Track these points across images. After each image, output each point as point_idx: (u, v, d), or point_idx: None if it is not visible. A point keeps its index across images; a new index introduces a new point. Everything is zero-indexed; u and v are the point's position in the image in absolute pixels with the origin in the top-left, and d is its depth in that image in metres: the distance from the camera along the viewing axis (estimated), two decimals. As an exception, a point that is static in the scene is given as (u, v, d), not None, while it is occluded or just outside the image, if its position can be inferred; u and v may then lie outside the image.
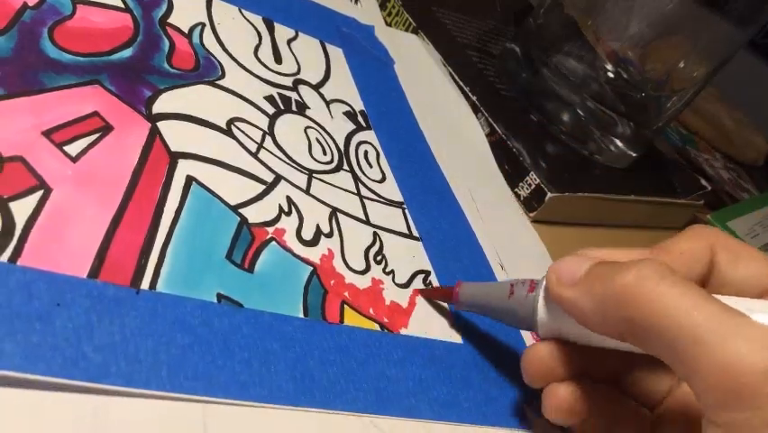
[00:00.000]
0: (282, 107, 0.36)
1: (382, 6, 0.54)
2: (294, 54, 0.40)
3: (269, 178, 0.32)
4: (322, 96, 0.39)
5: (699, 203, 0.60)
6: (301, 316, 0.27)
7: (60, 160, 0.25)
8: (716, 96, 0.84)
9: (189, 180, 0.28)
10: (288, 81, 0.38)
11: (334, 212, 0.33)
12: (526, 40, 0.54)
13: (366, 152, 0.38)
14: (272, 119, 0.35)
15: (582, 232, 0.50)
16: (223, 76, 0.34)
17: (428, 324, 0.32)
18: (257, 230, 0.29)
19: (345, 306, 0.29)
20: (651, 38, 0.48)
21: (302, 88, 0.38)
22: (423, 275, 0.34)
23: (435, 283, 0.34)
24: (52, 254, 0.22)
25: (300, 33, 0.42)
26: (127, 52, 0.31)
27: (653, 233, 0.57)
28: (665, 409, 0.29)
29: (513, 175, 0.47)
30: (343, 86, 0.41)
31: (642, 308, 0.22)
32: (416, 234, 0.36)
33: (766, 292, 0.26)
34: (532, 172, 0.46)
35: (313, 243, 0.31)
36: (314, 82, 0.39)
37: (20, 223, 0.22)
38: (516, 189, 0.47)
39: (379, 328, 0.29)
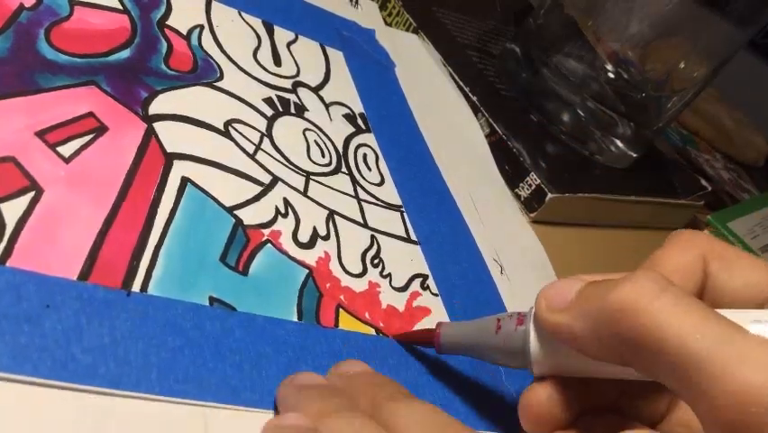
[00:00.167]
0: (281, 109, 0.36)
1: (382, 7, 0.54)
2: (293, 57, 0.40)
3: (266, 179, 0.31)
4: (321, 98, 0.39)
5: (700, 203, 0.59)
6: (295, 319, 0.27)
7: (53, 160, 0.25)
8: (716, 96, 0.84)
9: (184, 182, 0.28)
10: (287, 84, 0.38)
11: (332, 214, 0.33)
12: (526, 40, 0.54)
13: (365, 155, 0.38)
14: (270, 121, 0.35)
15: (583, 232, 0.50)
16: (221, 78, 0.34)
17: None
18: (252, 232, 0.29)
19: (341, 309, 0.29)
20: (651, 38, 0.48)
21: (301, 91, 0.38)
22: (420, 279, 0.34)
23: (433, 287, 0.34)
24: (43, 255, 0.22)
25: (300, 36, 0.42)
26: (124, 54, 0.31)
27: (653, 233, 0.57)
28: (670, 425, 0.27)
29: (513, 175, 0.47)
30: (343, 88, 0.41)
31: (639, 325, 0.20)
32: (414, 237, 0.36)
33: None
34: (532, 173, 0.46)
35: (309, 245, 0.30)
36: (313, 85, 0.39)
37: (10, 224, 0.22)
38: (516, 190, 0.46)
39: (374, 333, 0.29)
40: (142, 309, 0.23)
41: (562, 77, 0.51)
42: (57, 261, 0.22)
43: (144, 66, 0.31)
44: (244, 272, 0.27)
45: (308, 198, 0.33)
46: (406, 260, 0.34)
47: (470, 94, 0.50)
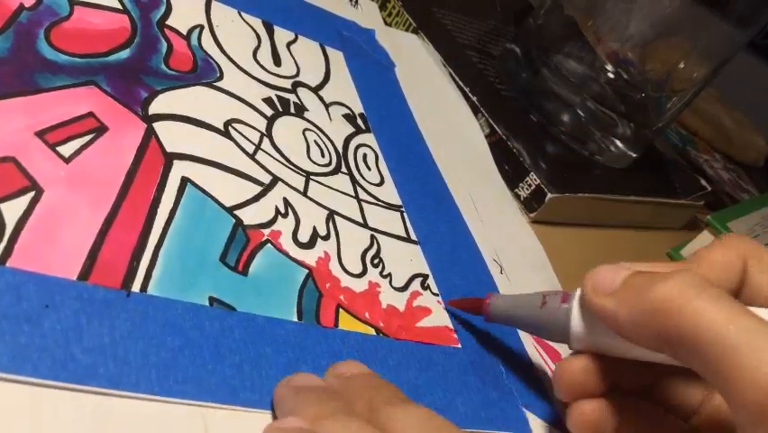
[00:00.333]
0: (281, 109, 0.36)
1: (382, 7, 0.54)
2: (293, 57, 0.40)
3: (266, 179, 0.31)
4: (321, 98, 0.39)
5: (699, 203, 0.60)
6: (295, 319, 0.27)
7: (53, 160, 0.25)
8: (716, 96, 0.84)
9: (184, 182, 0.28)
10: (287, 84, 0.38)
11: (332, 215, 0.33)
12: (526, 40, 0.54)
13: (365, 155, 0.38)
14: (270, 121, 0.35)
15: (582, 232, 0.50)
16: (221, 78, 0.34)
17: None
18: (252, 232, 0.29)
19: (341, 309, 0.29)
20: (651, 38, 0.48)
21: (301, 91, 0.38)
22: (420, 279, 0.34)
23: (433, 287, 0.34)
24: (43, 256, 0.22)
25: (300, 36, 0.42)
26: (124, 53, 0.31)
27: (653, 233, 0.57)
28: (701, 418, 0.29)
29: (513, 176, 0.47)
30: (343, 88, 0.41)
31: (679, 321, 0.22)
32: (414, 237, 0.36)
33: None
34: (532, 173, 0.46)
35: (309, 245, 0.30)
36: (313, 85, 0.39)
37: (10, 224, 0.22)
38: (516, 190, 0.46)
39: (374, 333, 0.29)
40: (142, 309, 0.23)
41: (562, 77, 0.51)
42: (57, 261, 0.22)
43: (144, 66, 0.31)
44: (244, 272, 0.27)
45: (308, 198, 0.33)
46: (405, 260, 0.34)
47: (470, 94, 0.50)
